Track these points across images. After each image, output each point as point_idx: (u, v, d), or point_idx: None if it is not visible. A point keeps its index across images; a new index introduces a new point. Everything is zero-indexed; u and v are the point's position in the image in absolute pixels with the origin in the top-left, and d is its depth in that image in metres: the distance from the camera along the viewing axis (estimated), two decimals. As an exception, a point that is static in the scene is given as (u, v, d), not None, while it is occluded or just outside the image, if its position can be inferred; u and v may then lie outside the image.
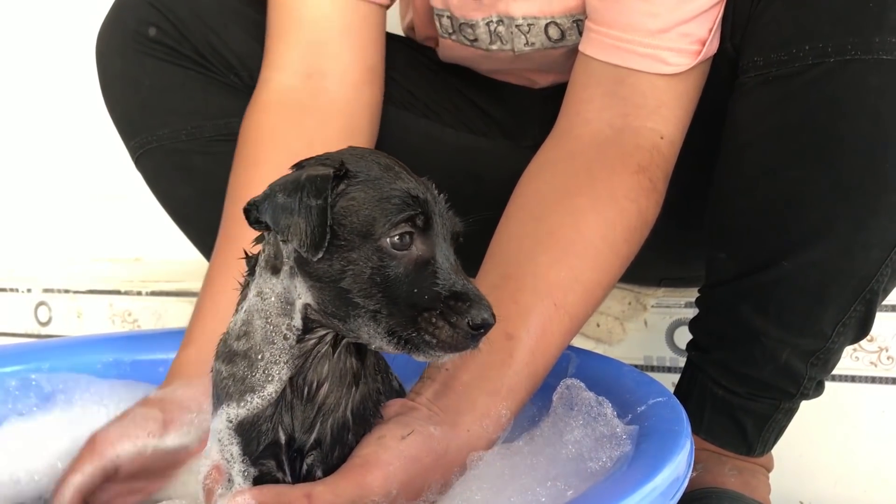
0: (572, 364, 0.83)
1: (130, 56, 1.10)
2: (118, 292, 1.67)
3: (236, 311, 0.71)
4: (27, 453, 0.85)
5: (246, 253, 0.71)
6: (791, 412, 0.95)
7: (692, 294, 1.28)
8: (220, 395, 0.72)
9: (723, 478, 0.94)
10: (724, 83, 0.89)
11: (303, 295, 0.66)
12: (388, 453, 0.68)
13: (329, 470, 0.69)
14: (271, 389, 0.68)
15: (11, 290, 1.79)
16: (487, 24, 1.03)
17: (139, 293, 1.64)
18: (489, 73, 1.16)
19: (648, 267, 0.90)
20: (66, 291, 1.72)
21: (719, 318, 0.94)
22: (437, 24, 1.09)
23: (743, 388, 0.93)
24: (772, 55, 0.82)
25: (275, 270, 0.67)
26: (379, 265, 0.62)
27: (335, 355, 0.68)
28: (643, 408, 0.70)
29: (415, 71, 1.18)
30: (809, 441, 1.19)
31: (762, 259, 0.87)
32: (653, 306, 1.29)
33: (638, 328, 1.29)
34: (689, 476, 0.63)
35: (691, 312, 1.27)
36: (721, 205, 0.91)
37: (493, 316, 0.61)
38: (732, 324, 0.92)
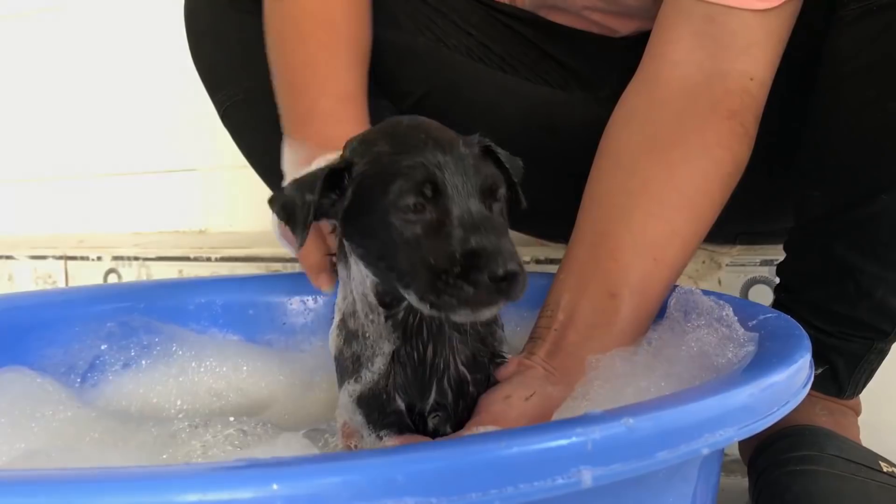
0: (672, 296, 0.84)
1: (218, 11, 1.13)
2: (188, 258, 1.69)
3: (343, 292, 0.76)
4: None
5: None
6: (883, 353, 0.95)
7: (767, 252, 1.28)
8: (343, 373, 0.77)
9: (814, 416, 0.94)
10: (811, 24, 0.89)
11: (368, 274, 0.70)
12: (515, 412, 0.71)
13: (457, 424, 0.73)
14: (379, 363, 0.73)
15: (82, 258, 1.83)
16: None
17: (209, 259, 1.66)
18: (570, 22, 1.17)
19: (729, 221, 0.90)
20: (136, 258, 1.76)
21: (812, 257, 0.94)
22: None
23: (835, 327, 0.93)
24: None
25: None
26: (393, 236, 0.64)
27: (432, 320, 0.71)
28: (754, 322, 0.70)
29: (491, 26, 1.19)
30: (888, 398, 1.18)
31: (859, 194, 0.87)
32: (727, 265, 1.29)
33: (712, 287, 1.29)
34: (812, 378, 0.64)
35: (767, 270, 1.27)
36: (816, 141, 0.91)
37: (518, 264, 0.60)
38: (825, 262, 0.91)
